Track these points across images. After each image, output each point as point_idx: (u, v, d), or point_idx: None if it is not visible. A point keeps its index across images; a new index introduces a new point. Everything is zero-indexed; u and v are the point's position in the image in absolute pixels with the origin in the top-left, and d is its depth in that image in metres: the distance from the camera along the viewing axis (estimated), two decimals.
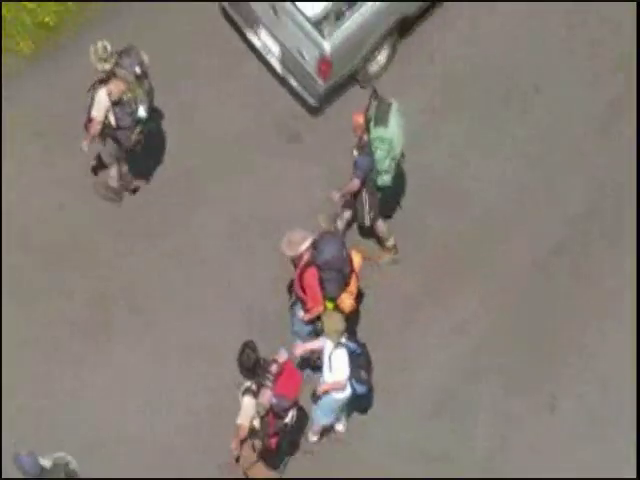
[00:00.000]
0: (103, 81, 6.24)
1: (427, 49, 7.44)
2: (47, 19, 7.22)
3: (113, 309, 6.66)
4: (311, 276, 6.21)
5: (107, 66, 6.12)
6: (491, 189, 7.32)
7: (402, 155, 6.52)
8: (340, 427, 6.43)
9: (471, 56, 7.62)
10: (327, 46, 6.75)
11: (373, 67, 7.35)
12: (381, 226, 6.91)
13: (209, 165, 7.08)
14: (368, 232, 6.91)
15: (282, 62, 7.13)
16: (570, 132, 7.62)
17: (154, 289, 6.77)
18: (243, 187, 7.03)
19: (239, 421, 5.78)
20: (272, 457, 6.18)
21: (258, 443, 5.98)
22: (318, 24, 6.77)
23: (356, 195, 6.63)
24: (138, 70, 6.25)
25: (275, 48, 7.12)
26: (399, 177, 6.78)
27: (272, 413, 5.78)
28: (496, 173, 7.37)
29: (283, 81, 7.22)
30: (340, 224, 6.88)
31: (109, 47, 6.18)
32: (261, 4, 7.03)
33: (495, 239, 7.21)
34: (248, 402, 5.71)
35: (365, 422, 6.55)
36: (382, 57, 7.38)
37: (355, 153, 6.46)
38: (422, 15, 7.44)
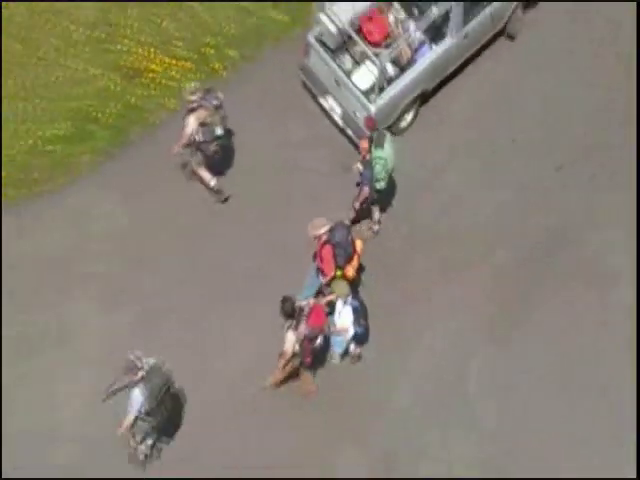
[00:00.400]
0: (193, 109, 9.29)
1: (440, 113, 10.64)
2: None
3: None
4: (327, 252, 8.98)
5: (194, 98, 9.23)
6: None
7: (392, 170, 9.48)
8: (356, 351, 9.41)
9: (474, 119, 10.79)
10: (372, 109, 9.85)
11: (402, 124, 10.45)
12: (376, 212, 9.98)
13: (283, 190, 10.22)
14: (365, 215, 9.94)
15: (342, 118, 10.30)
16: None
17: None
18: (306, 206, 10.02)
19: (284, 348, 8.56)
20: (308, 372, 9.13)
21: (297, 362, 8.84)
22: (367, 94, 9.93)
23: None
24: (216, 102, 9.33)
25: (337, 109, 10.29)
26: (391, 184, 9.84)
27: (307, 340, 8.57)
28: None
29: (343, 131, 10.38)
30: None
31: (197, 85, 9.39)
32: (328, 78, 10.27)
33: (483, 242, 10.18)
34: (290, 335, 8.51)
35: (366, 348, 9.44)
36: (409, 117, 10.51)
37: (360, 167, 9.42)
38: (437, 89, 10.61)
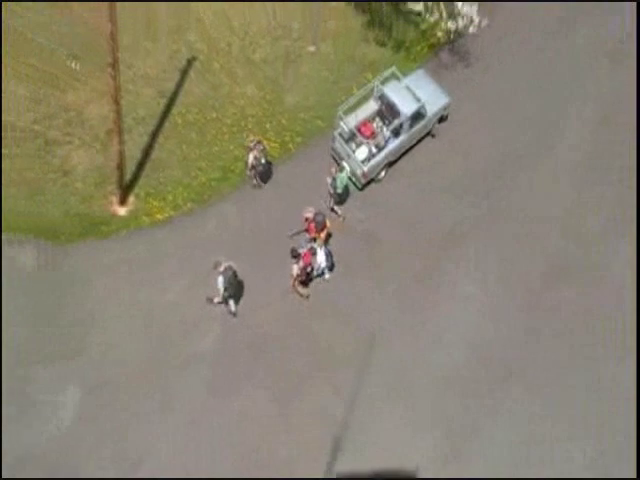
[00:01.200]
0: (251, 149, 19.78)
1: (398, 170, 21.30)
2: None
3: None
4: (312, 225, 19.21)
5: (251, 145, 19.73)
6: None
7: (349, 179, 20.17)
8: (327, 276, 19.57)
9: (415, 173, 21.42)
10: (365, 169, 20.48)
11: (380, 176, 21.10)
12: (339, 210, 20.44)
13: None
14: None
15: (351, 172, 20.98)
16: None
17: None
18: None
19: (293, 273, 18.72)
20: (305, 286, 19.27)
21: (300, 279, 19.02)
22: (362, 161, 20.54)
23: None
24: (261, 147, 19.87)
25: (348, 167, 20.94)
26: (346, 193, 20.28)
27: (302, 269, 18.62)
28: None
29: (350, 180, 21.02)
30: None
31: (255, 139, 19.98)
32: (343, 152, 20.85)
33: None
34: (295, 267, 18.72)
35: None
36: (383, 173, 21.20)
37: (329, 180, 19.85)
38: (396, 161, 21.29)
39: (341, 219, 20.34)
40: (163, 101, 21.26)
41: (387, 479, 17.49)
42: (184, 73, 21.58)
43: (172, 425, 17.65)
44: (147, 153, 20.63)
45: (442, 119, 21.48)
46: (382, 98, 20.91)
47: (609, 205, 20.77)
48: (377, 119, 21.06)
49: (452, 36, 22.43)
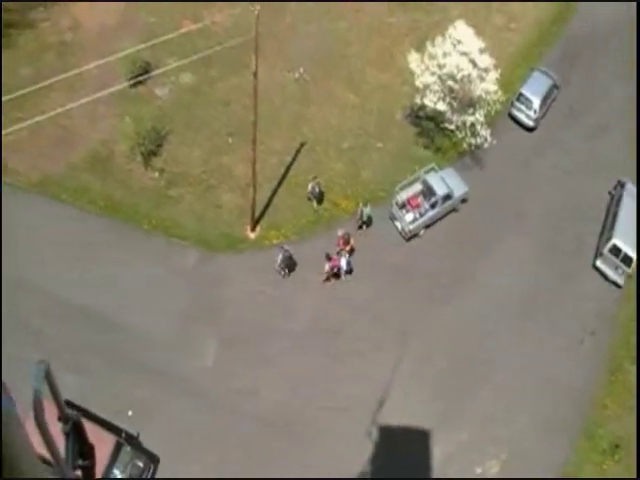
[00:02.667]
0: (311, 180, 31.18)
1: (432, 232, 32.38)
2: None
3: None
4: (341, 241, 30.13)
5: (310, 187, 31.02)
6: None
7: (371, 213, 31.41)
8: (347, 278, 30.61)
9: (445, 231, 32.44)
10: (412, 227, 31.50)
11: (420, 233, 32.13)
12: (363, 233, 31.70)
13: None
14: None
15: (401, 228, 31.94)
16: None
17: None
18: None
19: (325, 270, 29.66)
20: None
21: (329, 274, 30.02)
22: (410, 222, 31.54)
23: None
24: (315, 189, 31.25)
25: (399, 225, 31.88)
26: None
27: (330, 268, 29.69)
28: None
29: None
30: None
31: (316, 180, 31.20)
32: (398, 215, 31.98)
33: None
34: (326, 265, 29.58)
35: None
36: (422, 232, 32.29)
37: (358, 212, 31.18)
38: (429, 226, 32.35)
39: (363, 237, 31.26)
40: (283, 168, 32.47)
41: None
42: (297, 151, 32.88)
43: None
44: (270, 200, 31.69)
45: (463, 201, 32.63)
46: (424, 182, 32.13)
47: None
48: (421, 196, 32.19)
49: (472, 148, 33.77)
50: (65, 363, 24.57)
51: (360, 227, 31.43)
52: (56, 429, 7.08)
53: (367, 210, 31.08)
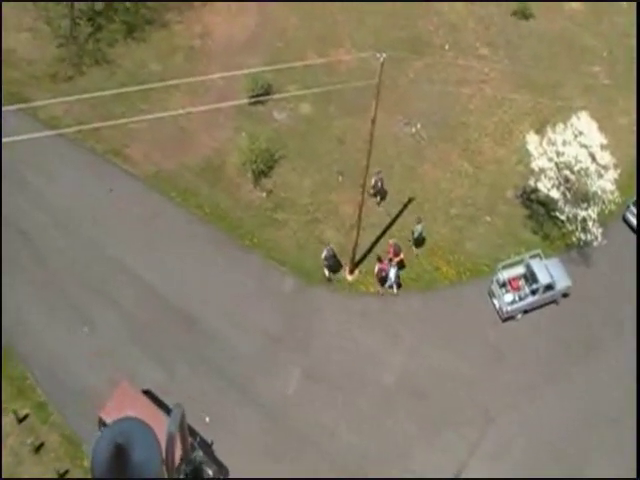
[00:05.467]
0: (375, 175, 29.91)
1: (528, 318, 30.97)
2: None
3: None
4: (391, 250, 29.47)
5: (372, 181, 29.78)
6: None
7: (423, 230, 30.61)
8: (395, 291, 29.74)
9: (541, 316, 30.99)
10: (509, 308, 30.13)
11: (518, 317, 30.74)
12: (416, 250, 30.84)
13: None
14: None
15: (498, 307, 30.63)
16: None
17: None
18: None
19: (375, 272, 28.99)
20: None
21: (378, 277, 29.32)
22: (509, 303, 30.19)
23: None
24: (379, 183, 30.01)
25: (497, 303, 30.63)
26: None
27: (379, 271, 29.18)
28: None
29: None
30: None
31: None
32: (497, 292, 30.70)
33: None
34: (377, 265, 28.85)
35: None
36: (519, 315, 30.91)
37: (413, 228, 30.70)
38: (533, 310, 31.00)
39: (415, 254, 30.61)
40: (388, 218, 31.55)
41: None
42: (405, 205, 32.05)
43: None
44: (372, 246, 30.61)
45: (565, 295, 31.33)
46: (528, 267, 30.90)
47: None
48: (522, 279, 30.94)
49: (581, 244, 32.65)
50: (151, 354, 25.38)
51: (412, 246, 30.93)
52: None
53: (419, 228, 30.51)
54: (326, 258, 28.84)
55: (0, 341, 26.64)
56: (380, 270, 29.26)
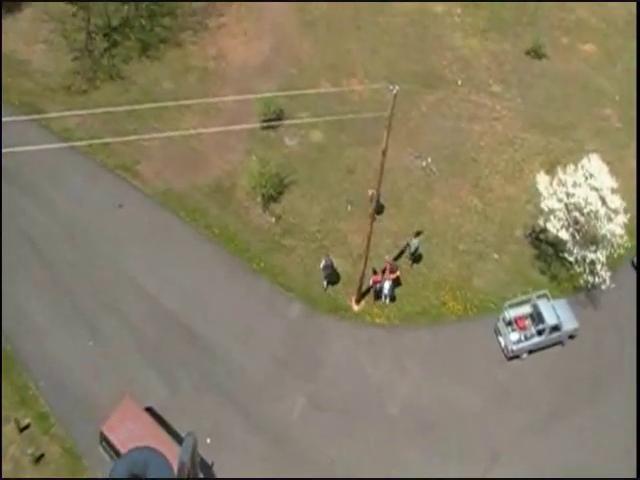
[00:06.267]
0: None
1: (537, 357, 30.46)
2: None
3: None
4: (387, 266, 29.23)
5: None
6: None
7: (420, 245, 30.42)
8: (387, 301, 29.60)
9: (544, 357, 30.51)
10: (515, 348, 29.65)
11: (523, 356, 30.23)
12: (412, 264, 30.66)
13: None
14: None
15: (504, 344, 30.17)
16: None
17: None
18: None
19: (370, 283, 28.95)
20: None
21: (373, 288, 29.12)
22: (514, 343, 29.74)
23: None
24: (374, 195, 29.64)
25: (503, 341, 30.15)
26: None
27: (374, 284, 29.17)
28: None
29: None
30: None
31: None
32: (503, 330, 30.23)
33: None
34: (370, 280, 28.72)
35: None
36: (525, 355, 30.38)
37: (409, 242, 30.62)
38: (532, 351, 30.48)
39: (411, 268, 30.79)
40: (396, 250, 31.16)
41: None
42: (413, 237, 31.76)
43: None
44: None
45: (571, 337, 30.93)
46: (535, 307, 30.52)
47: None
48: (529, 319, 30.53)
49: (589, 286, 32.36)
50: (157, 369, 25.39)
51: (411, 262, 30.89)
52: None
53: (415, 242, 30.33)
54: (324, 268, 28.67)
55: (2, 348, 26.22)
56: (374, 282, 29.13)
